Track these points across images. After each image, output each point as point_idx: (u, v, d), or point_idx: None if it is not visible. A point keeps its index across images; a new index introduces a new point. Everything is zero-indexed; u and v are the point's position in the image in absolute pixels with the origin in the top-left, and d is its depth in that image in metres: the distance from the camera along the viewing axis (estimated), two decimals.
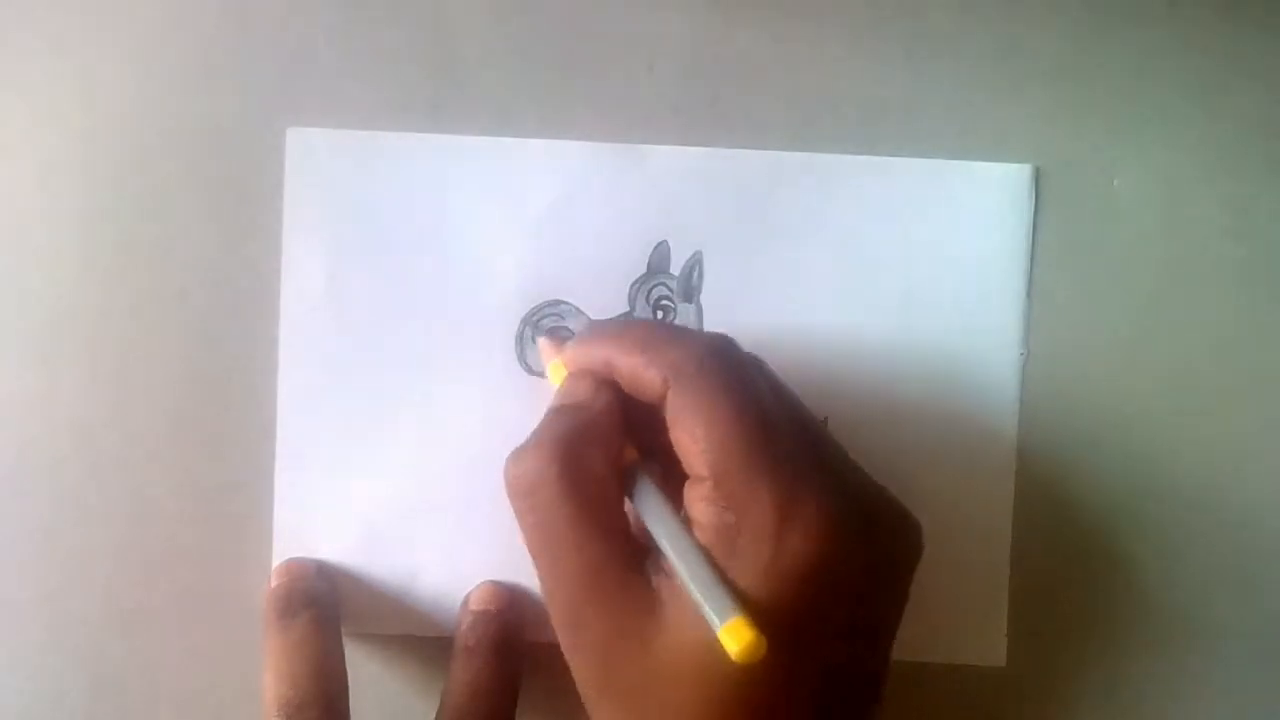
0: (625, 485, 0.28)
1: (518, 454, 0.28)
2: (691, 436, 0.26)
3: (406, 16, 0.35)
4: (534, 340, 0.35)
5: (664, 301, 0.35)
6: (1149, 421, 0.36)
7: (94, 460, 0.35)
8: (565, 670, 0.28)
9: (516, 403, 0.35)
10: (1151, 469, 0.36)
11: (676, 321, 0.35)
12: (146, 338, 0.35)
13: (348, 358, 0.35)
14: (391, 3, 0.35)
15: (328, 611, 0.34)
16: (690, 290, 0.35)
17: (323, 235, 0.35)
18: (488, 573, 0.36)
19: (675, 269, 0.35)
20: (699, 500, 0.26)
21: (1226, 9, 0.35)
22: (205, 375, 0.35)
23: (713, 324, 0.35)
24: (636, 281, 0.35)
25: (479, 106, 0.35)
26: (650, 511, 0.27)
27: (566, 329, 0.35)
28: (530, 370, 0.35)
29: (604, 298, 0.35)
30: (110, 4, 0.35)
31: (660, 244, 0.35)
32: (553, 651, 0.29)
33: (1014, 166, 0.35)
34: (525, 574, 0.36)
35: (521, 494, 0.28)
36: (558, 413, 0.29)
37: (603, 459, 0.28)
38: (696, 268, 0.35)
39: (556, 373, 0.31)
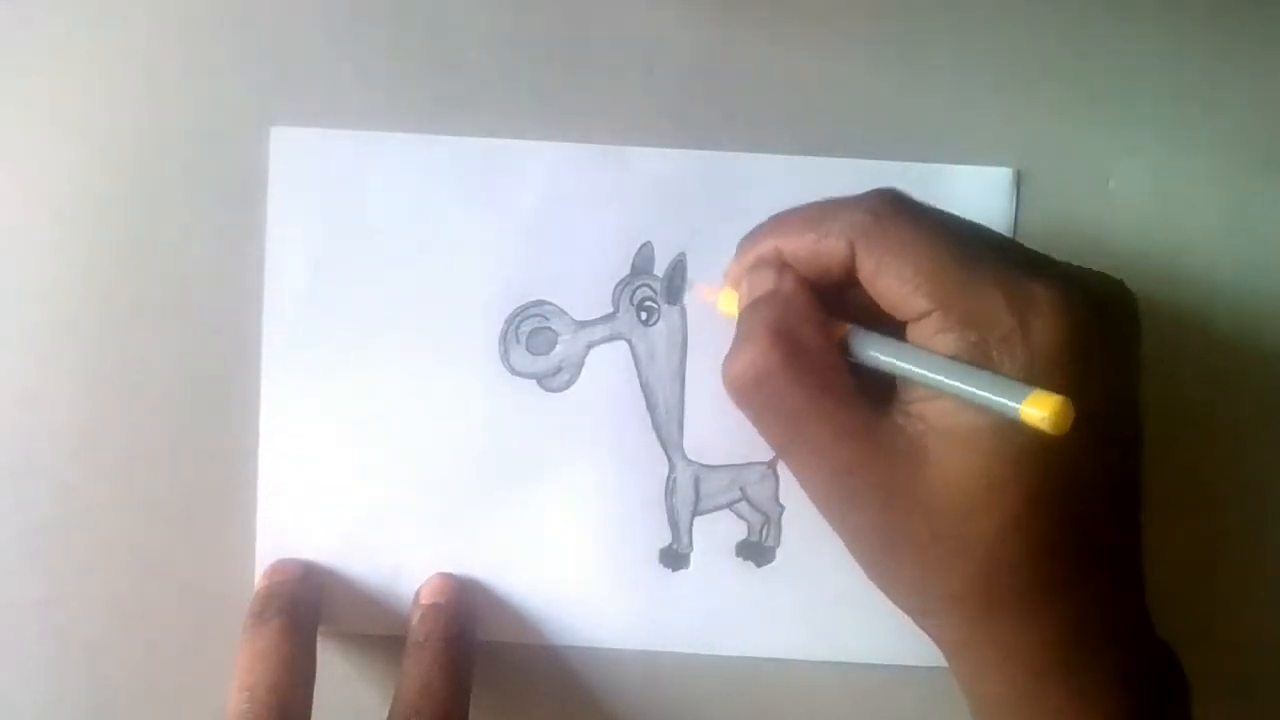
0: (843, 353, 0.28)
1: (733, 355, 0.28)
2: (900, 278, 0.26)
3: (396, 15, 0.35)
4: (518, 341, 0.35)
5: (648, 302, 0.35)
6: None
7: (91, 460, 0.35)
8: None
9: (500, 403, 0.35)
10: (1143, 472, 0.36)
11: (660, 324, 0.35)
12: (131, 337, 0.35)
13: (331, 357, 0.35)
14: (381, 1, 0.35)
15: (302, 619, 0.33)
16: (674, 291, 0.35)
17: (306, 235, 0.35)
18: (471, 572, 0.36)
19: (659, 270, 0.35)
20: (932, 336, 0.26)
21: (1221, 8, 0.35)
22: (193, 373, 0.35)
23: (696, 326, 0.35)
24: (620, 282, 0.35)
25: (471, 108, 0.35)
26: (891, 353, 0.27)
27: (550, 330, 0.35)
28: (514, 371, 0.35)
29: (588, 298, 0.35)
30: (96, 2, 0.35)
31: (644, 245, 0.35)
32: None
33: (995, 170, 0.35)
34: (508, 573, 0.36)
35: (749, 390, 0.28)
36: (753, 307, 0.28)
37: (814, 331, 0.28)
38: (680, 269, 0.35)
39: (729, 302, 0.31)
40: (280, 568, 0.35)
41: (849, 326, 0.28)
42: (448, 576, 0.35)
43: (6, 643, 0.36)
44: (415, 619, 0.34)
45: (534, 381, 0.35)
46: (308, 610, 0.34)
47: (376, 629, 0.36)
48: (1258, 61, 0.36)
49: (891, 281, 0.26)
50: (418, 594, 0.35)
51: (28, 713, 0.36)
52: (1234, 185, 0.36)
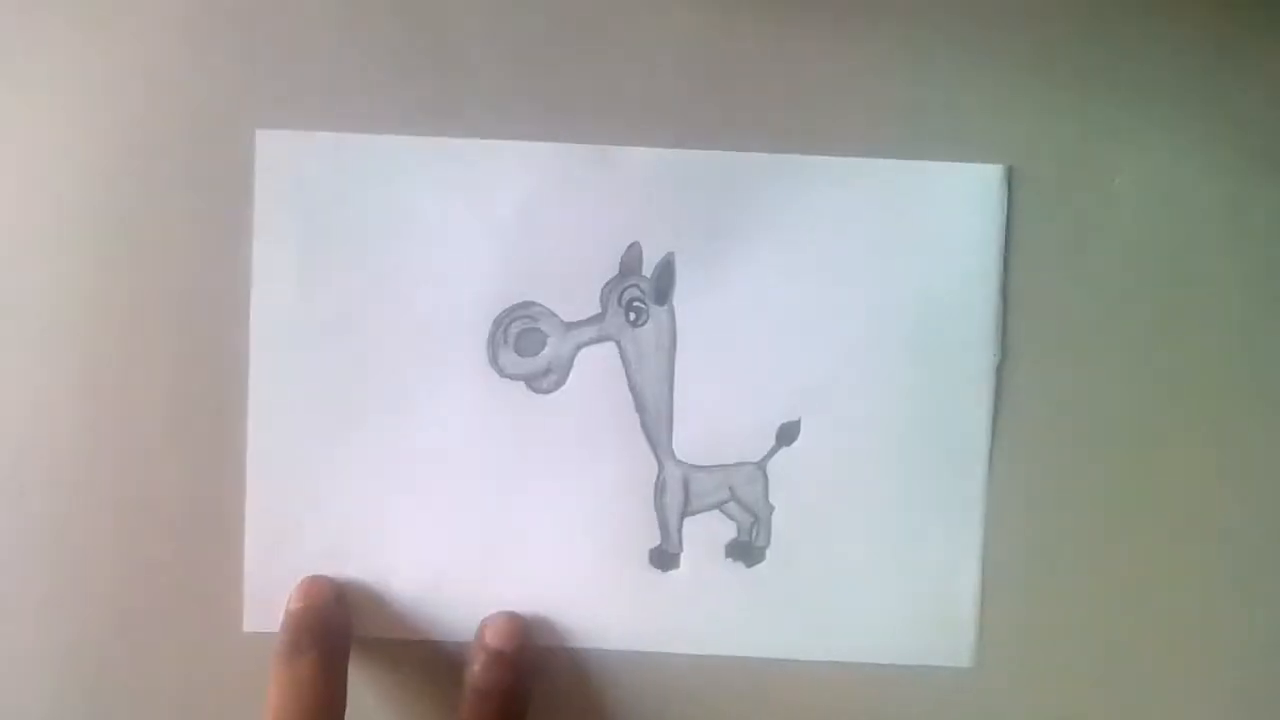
0: None
1: None
2: None
3: (381, 16, 0.35)
4: (506, 343, 0.35)
5: (636, 303, 0.35)
6: (1132, 425, 0.36)
7: (89, 461, 0.35)
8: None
9: (489, 405, 0.35)
10: (1129, 469, 0.36)
11: (648, 325, 0.35)
12: (120, 341, 0.35)
13: (319, 363, 0.35)
14: (366, 3, 0.35)
15: (336, 649, 0.33)
16: (662, 292, 0.35)
17: (293, 238, 0.35)
18: (461, 575, 0.36)
19: (647, 270, 0.35)
20: None
21: (1226, 7, 0.35)
22: (174, 381, 0.35)
23: (685, 326, 0.35)
24: (609, 283, 0.35)
25: (455, 109, 0.35)
26: None
27: (538, 331, 0.35)
28: (502, 373, 0.35)
29: (576, 300, 0.35)
30: (74, 3, 0.35)
31: (632, 245, 0.35)
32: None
33: (986, 167, 0.35)
34: (497, 575, 0.36)
35: None
36: None
37: None
38: (668, 269, 0.35)
39: None
40: (312, 589, 0.35)
41: None
42: (513, 617, 0.35)
43: (6, 643, 0.36)
44: (479, 664, 0.34)
45: (523, 383, 0.35)
46: (342, 638, 0.34)
47: (367, 632, 0.36)
48: (1264, 61, 0.35)
49: None
50: (481, 631, 0.35)
51: (26, 713, 0.36)
52: (1238, 184, 0.35)
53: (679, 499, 0.36)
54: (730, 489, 0.36)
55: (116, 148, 0.35)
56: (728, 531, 0.36)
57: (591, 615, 0.36)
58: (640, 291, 0.35)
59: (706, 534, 0.36)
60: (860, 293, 0.35)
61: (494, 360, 0.35)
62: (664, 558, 0.36)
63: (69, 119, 0.35)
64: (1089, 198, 0.35)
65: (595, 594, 0.36)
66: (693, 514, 0.36)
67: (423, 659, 0.36)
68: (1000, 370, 0.35)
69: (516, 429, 0.35)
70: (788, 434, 0.35)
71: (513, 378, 0.35)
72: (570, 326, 0.35)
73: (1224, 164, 0.35)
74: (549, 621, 0.36)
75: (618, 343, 0.35)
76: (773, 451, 0.35)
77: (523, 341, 0.35)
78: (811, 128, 0.35)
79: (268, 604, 0.35)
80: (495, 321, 0.35)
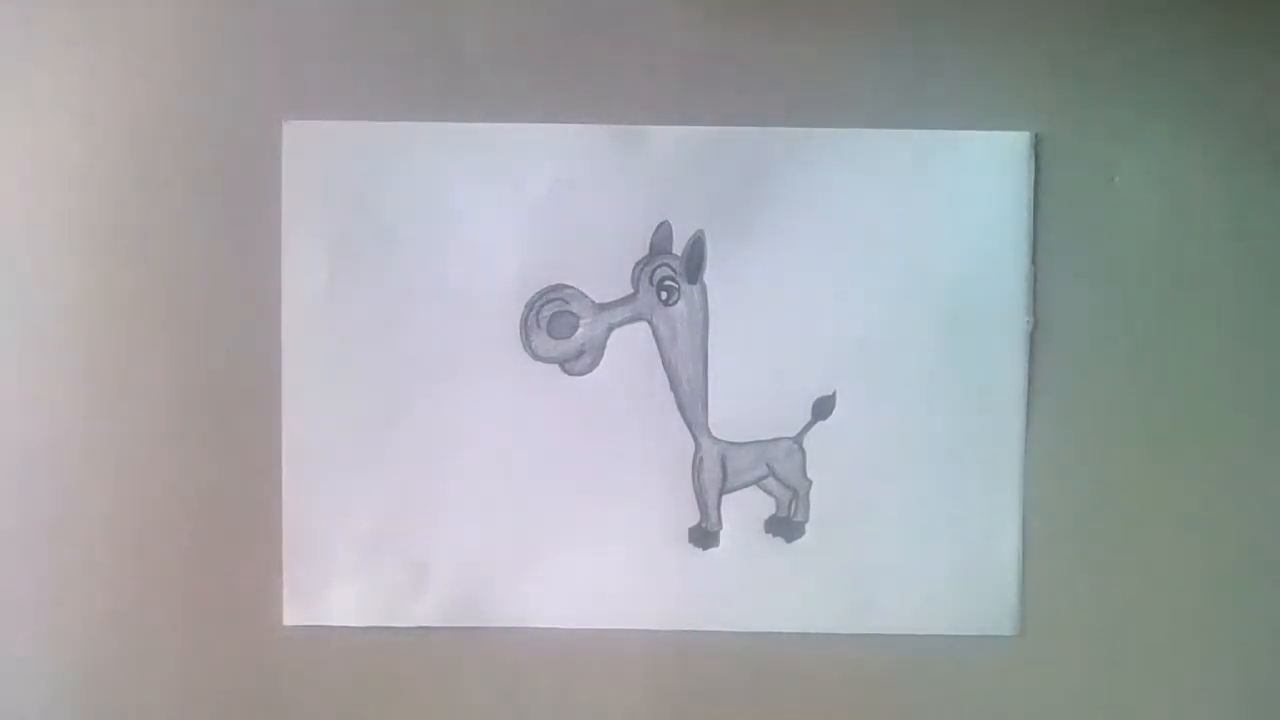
0: None
1: None
2: None
3: (404, 5, 0.35)
4: (539, 326, 0.35)
5: (668, 282, 0.35)
6: (1169, 385, 0.36)
7: (94, 460, 0.35)
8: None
9: (524, 389, 0.35)
10: (1168, 429, 0.36)
11: (680, 303, 0.35)
12: (146, 337, 0.35)
13: (352, 351, 0.35)
14: None
15: None
16: (693, 270, 0.35)
17: (323, 228, 0.35)
18: (500, 561, 0.36)
19: (678, 249, 0.35)
20: None
21: (1228, 8, 0.35)
22: (207, 373, 0.35)
23: (717, 303, 0.35)
24: (639, 263, 0.35)
25: (480, 94, 0.35)
26: None
27: (570, 313, 0.35)
28: (536, 356, 0.35)
29: (607, 281, 0.35)
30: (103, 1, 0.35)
31: (662, 224, 0.35)
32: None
33: (1012, 134, 0.35)
34: (538, 560, 0.36)
35: None
36: None
37: None
38: (699, 247, 0.35)
39: None
40: None
41: None
42: None
43: (6, 643, 0.36)
44: None
45: (557, 366, 0.35)
46: None
47: (407, 621, 0.36)
48: (1264, 61, 0.35)
49: None
50: None
51: (26, 711, 0.36)
52: (1238, 177, 0.35)
53: (717, 476, 0.36)
54: (768, 464, 0.36)
55: (145, 144, 0.35)
56: (766, 507, 0.36)
57: (633, 596, 0.36)
58: (671, 270, 0.35)
59: (745, 511, 0.36)
60: (891, 263, 0.35)
61: (527, 344, 0.35)
62: (704, 535, 0.36)
63: (95, 117, 0.35)
64: (1114, 163, 0.35)
65: (636, 575, 0.36)
66: (731, 491, 0.36)
67: (464, 645, 0.36)
68: (1033, 336, 0.35)
69: (552, 412, 0.35)
70: (823, 408, 0.35)
71: (546, 360, 0.35)
72: (602, 307, 0.35)
73: (1222, 158, 0.35)
74: (592, 604, 0.36)
75: (650, 322, 0.35)
76: (809, 425, 0.35)
77: (555, 324, 0.35)
78: (837, 101, 0.35)
79: (308, 597, 0.35)
80: (527, 305, 0.35)
